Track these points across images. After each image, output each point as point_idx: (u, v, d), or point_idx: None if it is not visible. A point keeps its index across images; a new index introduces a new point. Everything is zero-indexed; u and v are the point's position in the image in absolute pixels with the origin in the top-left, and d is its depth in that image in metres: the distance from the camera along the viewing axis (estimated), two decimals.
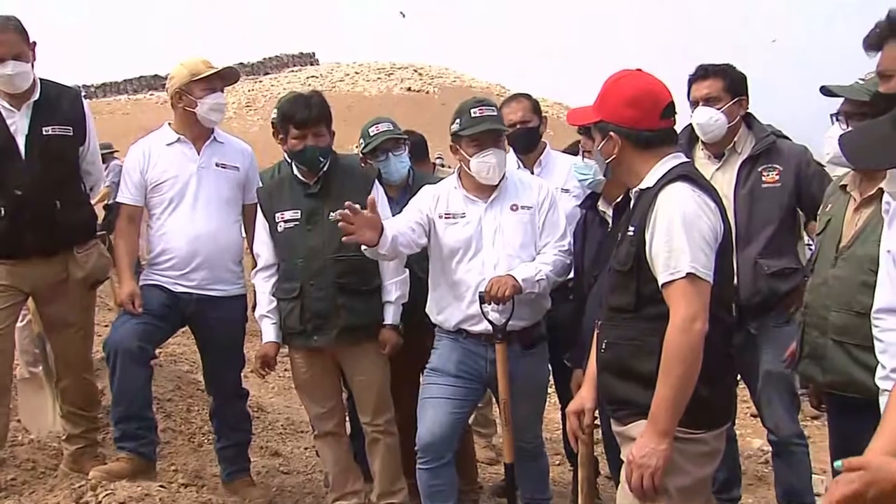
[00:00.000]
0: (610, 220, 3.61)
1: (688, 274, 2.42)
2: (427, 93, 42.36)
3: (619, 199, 3.53)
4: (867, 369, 2.83)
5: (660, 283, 2.48)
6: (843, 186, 3.08)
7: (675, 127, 2.71)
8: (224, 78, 4.23)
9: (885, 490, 1.56)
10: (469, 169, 3.65)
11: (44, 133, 3.91)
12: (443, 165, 8.35)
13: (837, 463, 1.65)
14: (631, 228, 2.60)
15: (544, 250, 3.68)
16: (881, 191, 2.83)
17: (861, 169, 2.86)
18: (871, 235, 2.86)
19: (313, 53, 53.70)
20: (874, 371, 2.79)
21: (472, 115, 3.63)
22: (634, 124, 2.60)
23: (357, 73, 46.81)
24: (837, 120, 3.03)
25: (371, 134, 4.31)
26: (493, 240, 3.64)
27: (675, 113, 2.68)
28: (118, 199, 4.21)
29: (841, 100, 3.06)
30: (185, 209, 4.10)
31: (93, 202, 4.27)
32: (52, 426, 4.58)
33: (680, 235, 2.45)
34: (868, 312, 2.83)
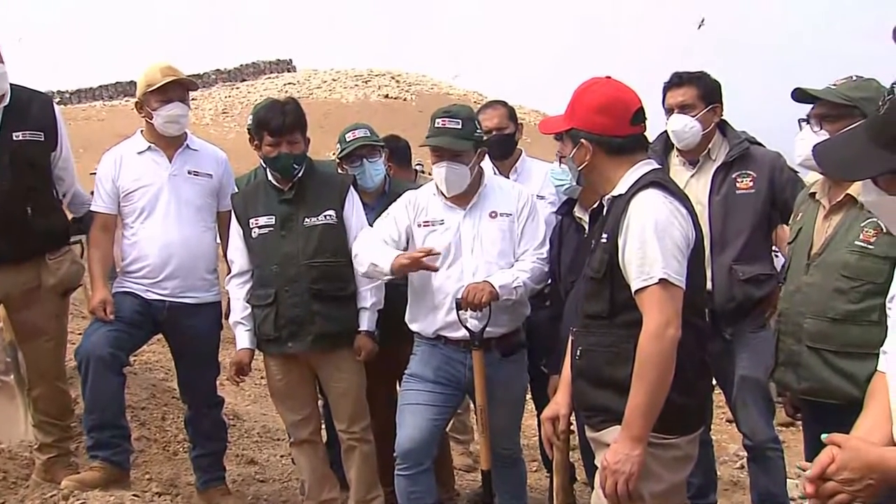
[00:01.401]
0: (586, 227, 3.61)
1: (660, 280, 2.43)
2: (404, 100, 42.24)
3: (594, 206, 3.53)
4: (843, 375, 2.86)
5: (633, 290, 2.49)
6: (813, 194, 3.10)
7: (646, 133, 2.73)
8: (185, 86, 4.15)
9: (855, 473, 1.67)
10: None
11: (14, 139, 3.84)
12: (422, 172, 8.28)
13: (823, 434, 1.75)
14: (604, 236, 2.61)
15: (523, 257, 3.67)
16: (849, 197, 2.87)
17: (836, 178, 2.88)
18: (841, 242, 2.89)
19: (290, 60, 53.37)
20: (850, 377, 2.83)
21: (436, 125, 3.63)
22: (605, 131, 2.62)
23: (334, 80, 46.58)
24: (808, 123, 3.05)
25: (347, 139, 4.30)
26: (471, 247, 3.63)
27: (645, 119, 2.69)
28: (92, 208, 4.17)
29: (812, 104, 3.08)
30: (158, 217, 4.07)
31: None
32: (24, 435, 4.51)
33: (652, 242, 2.46)
34: (841, 318, 2.87)
